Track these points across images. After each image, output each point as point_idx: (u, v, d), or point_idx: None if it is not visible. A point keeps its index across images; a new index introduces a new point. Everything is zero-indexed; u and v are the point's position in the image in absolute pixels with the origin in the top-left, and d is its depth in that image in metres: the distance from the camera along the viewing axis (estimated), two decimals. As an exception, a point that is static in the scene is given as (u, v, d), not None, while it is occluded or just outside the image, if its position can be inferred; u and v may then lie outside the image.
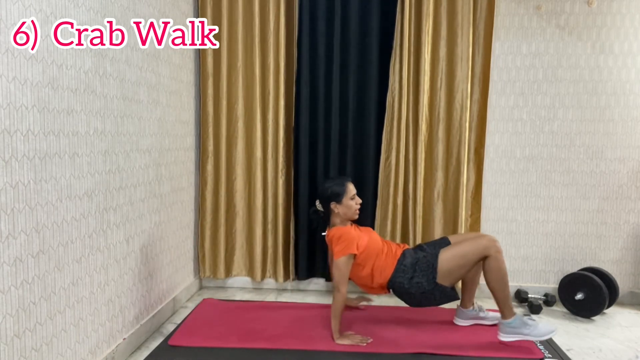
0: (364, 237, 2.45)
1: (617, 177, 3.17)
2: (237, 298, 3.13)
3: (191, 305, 2.98)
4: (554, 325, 2.34)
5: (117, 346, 2.18)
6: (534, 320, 2.36)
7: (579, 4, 3.10)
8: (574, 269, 3.21)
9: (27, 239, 1.60)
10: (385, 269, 2.43)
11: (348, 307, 2.77)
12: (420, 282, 2.36)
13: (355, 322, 2.65)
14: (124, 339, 2.26)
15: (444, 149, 3.17)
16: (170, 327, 2.64)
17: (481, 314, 2.64)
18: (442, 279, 2.36)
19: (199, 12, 3.13)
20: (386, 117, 3.13)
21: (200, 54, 3.17)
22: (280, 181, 3.23)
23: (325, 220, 2.58)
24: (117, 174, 2.16)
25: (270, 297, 3.17)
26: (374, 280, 2.44)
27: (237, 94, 3.19)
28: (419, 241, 3.17)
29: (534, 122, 3.19)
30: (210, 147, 3.22)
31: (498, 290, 2.34)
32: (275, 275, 3.30)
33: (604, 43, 3.11)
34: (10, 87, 1.51)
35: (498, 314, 2.51)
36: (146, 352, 2.32)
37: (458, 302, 2.61)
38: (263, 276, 3.30)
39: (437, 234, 3.20)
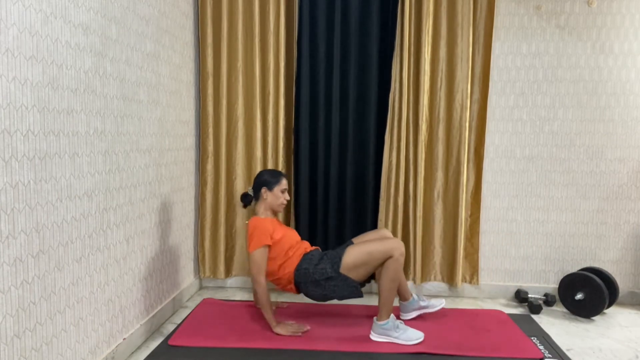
0: (280, 231, 2.53)
1: (617, 177, 3.18)
2: (237, 298, 3.13)
3: (191, 305, 2.98)
4: (421, 333, 2.42)
5: (117, 346, 2.18)
6: (405, 325, 2.45)
7: (579, 4, 3.10)
8: (574, 269, 3.22)
9: (27, 239, 1.60)
10: (293, 260, 2.51)
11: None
12: (325, 267, 2.44)
13: (355, 322, 2.65)
14: (124, 339, 2.26)
15: (444, 149, 3.17)
16: (170, 327, 2.64)
17: (422, 303, 2.73)
18: (345, 271, 2.43)
19: (199, 12, 3.13)
20: (388, 117, 3.12)
21: (200, 54, 3.17)
22: (280, 181, 3.24)
23: (249, 205, 2.70)
24: (117, 174, 2.16)
25: (271, 297, 3.16)
26: (281, 270, 2.51)
27: (237, 94, 3.19)
28: (419, 241, 3.18)
29: (534, 122, 3.19)
30: (210, 147, 3.22)
31: (385, 290, 2.40)
32: (275, 275, 3.30)
33: (604, 43, 3.11)
34: (10, 87, 1.51)
35: (441, 301, 2.72)
36: (146, 352, 2.33)
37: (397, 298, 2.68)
38: (263, 276, 3.30)
39: (437, 234, 3.21)
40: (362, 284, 2.53)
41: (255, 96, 3.18)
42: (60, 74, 1.74)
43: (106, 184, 2.06)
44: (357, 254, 2.42)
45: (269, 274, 2.55)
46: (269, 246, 2.48)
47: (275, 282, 2.59)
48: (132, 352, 2.33)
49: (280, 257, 2.50)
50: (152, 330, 2.56)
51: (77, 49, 1.84)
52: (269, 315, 2.48)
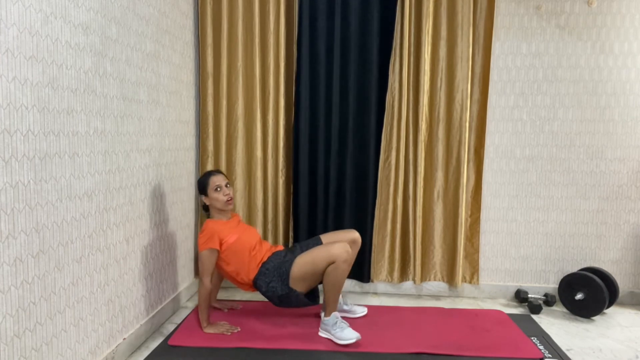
0: (234, 234, 2.52)
1: (617, 177, 3.18)
2: (237, 298, 3.13)
3: (191, 305, 2.98)
4: (357, 334, 2.40)
5: (117, 346, 2.18)
6: (346, 324, 2.44)
7: (579, 4, 3.10)
8: (574, 269, 3.22)
9: (27, 239, 1.60)
10: (250, 270, 2.52)
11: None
12: (275, 287, 2.46)
13: (355, 323, 2.65)
14: (124, 339, 2.26)
15: (444, 149, 3.17)
16: (170, 327, 2.64)
17: (345, 307, 2.76)
18: (295, 284, 2.45)
19: (199, 12, 3.13)
20: (385, 117, 3.13)
21: (200, 54, 3.17)
22: (280, 181, 3.24)
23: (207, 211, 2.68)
24: (117, 174, 2.16)
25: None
26: (239, 276, 2.54)
27: (237, 94, 3.19)
28: (419, 241, 3.17)
29: (534, 122, 3.19)
30: (210, 147, 3.22)
31: (328, 292, 2.45)
32: (275, 275, 3.29)
33: (604, 43, 3.11)
34: (10, 87, 1.51)
35: (363, 309, 2.79)
36: (146, 352, 2.33)
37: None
38: (263, 276, 3.30)
39: (437, 234, 3.21)
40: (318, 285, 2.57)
41: (255, 96, 3.18)
42: (60, 74, 1.74)
43: (106, 184, 2.06)
44: (302, 265, 2.44)
45: (226, 275, 2.59)
46: (218, 250, 2.48)
47: (238, 286, 2.62)
48: (132, 352, 2.33)
49: (233, 263, 2.51)
50: (152, 330, 2.56)
51: (77, 49, 1.84)
52: (202, 316, 2.51)
